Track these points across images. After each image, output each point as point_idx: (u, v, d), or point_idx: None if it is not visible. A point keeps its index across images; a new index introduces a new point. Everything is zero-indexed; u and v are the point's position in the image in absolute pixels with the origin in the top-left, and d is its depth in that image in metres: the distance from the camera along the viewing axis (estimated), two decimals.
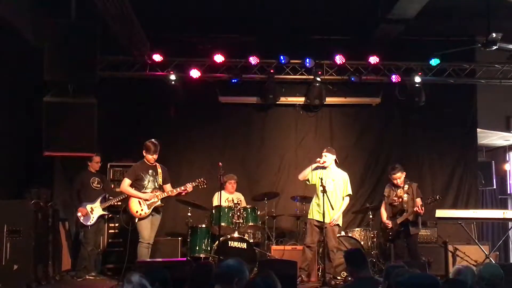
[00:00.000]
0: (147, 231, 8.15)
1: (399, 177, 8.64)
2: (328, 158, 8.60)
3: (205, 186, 8.54)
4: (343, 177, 8.67)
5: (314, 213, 8.57)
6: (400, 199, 8.62)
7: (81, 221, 8.82)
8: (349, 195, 8.68)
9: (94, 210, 8.89)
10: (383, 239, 9.12)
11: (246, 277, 3.87)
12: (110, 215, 9.61)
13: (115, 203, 9.13)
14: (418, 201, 8.50)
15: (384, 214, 8.86)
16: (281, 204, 10.18)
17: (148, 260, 7.99)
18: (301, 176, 8.76)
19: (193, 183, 8.41)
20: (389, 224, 8.67)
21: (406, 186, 8.66)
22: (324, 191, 8.22)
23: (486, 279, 4.47)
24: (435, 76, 10.48)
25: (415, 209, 8.37)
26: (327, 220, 8.27)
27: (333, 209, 8.33)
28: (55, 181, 9.78)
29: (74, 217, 9.01)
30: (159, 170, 8.39)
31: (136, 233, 8.25)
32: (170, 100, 10.35)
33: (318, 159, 8.55)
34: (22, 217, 7.70)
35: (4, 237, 7.48)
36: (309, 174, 8.62)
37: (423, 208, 8.39)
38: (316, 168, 8.61)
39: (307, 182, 8.72)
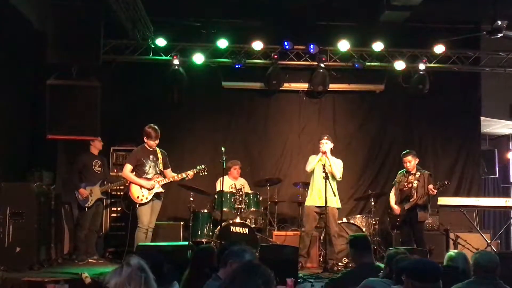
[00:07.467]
0: (146, 217, 8.13)
1: (409, 160, 8.59)
2: (328, 145, 8.66)
3: (206, 173, 8.55)
4: (338, 164, 8.72)
5: (314, 199, 8.61)
6: (410, 185, 8.58)
7: (79, 202, 8.85)
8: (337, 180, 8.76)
9: (93, 193, 8.89)
10: (390, 225, 9.07)
11: (241, 260, 3.94)
12: (112, 200, 9.69)
13: (114, 188, 9.26)
14: (430, 186, 8.38)
15: (392, 199, 8.85)
16: (283, 190, 10.20)
17: (150, 244, 8.01)
18: (309, 168, 8.73)
19: (194, 170, 8.41)
20: (397, 209, 8.68)
21: (418, 174, 8.59)
22: (326, 177, 8.28)
23: (483, 266, 4.46)
24: (439, 64, 10.43)
25: (428, 191, 8.29)
26: (331, 205, 8.38)
27: (335, 195, 8.45)
28: (58, 164, 9.77)
29: (73, 198, 8.99)
30: (159, 155, 8.33)
31: (136, 218, 8.26)
32: (173, 85, 10.33)
33: (323, 149, 8.58)
34: (25, 200, 7.71)
35: (7, 219, 7.51)
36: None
37: (435, 190, 8.32)
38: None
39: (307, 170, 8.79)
